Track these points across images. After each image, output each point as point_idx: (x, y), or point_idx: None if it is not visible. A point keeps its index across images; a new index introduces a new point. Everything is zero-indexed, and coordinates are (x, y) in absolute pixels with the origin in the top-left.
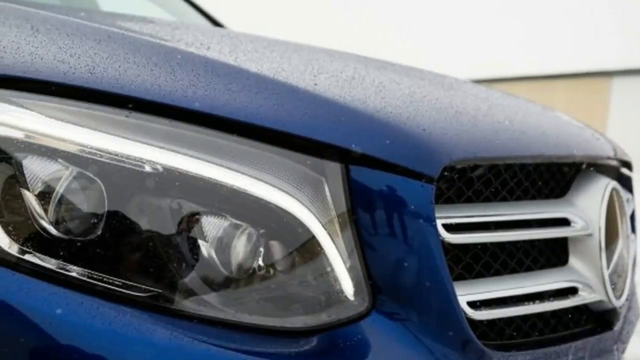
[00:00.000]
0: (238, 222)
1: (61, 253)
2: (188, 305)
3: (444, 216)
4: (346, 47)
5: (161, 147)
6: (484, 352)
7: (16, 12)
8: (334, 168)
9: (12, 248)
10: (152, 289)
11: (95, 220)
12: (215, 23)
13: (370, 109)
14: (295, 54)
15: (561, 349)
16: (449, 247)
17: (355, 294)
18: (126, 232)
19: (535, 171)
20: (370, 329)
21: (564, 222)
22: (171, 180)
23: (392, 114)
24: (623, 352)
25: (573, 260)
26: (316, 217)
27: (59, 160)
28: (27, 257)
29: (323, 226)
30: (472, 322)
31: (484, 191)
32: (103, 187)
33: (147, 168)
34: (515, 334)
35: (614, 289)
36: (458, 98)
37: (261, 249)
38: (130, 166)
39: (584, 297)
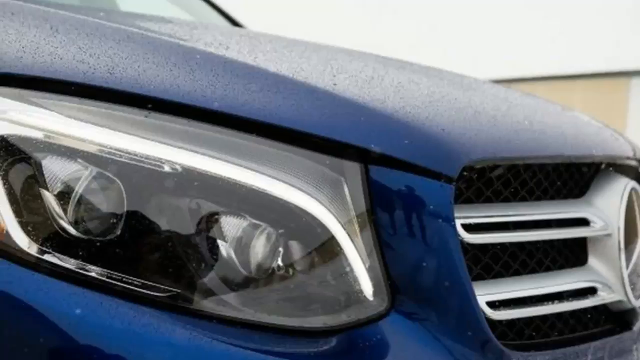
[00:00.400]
0: (257, 222)
1: (80, 253)
2: (207, 305)
3: (463, 216)
4: (365, 47)
5: (180, 147)
6: (503, 352)
7: (35, 12)
8: (353, 168)
9: (32, 248)
10: (171, 289)
11: (115, 220)
12: (234, 23)
13: (389, 108)
14: (314, 54)
15: (580, 349)
16: (467, 247)
17: (375, 294)
18: (145, 232)
19: (554, 171)
20: (389, 329)
21: (583, 222)
22: (190, 180)
23: (411, 113)
24: None
25: (592, 260)
26: (335, 217)
27: (79, 160)
28: (46, 257)
29: (342, 226)
30: (491, 322)
31: (503, 191)
32: (122, 187)
33: (167, 168)
34: (534, 334)
35: (633, 289)
36: (477, 98)
37: (280, 249)
38: (149, 166)
39: (603, 297)
